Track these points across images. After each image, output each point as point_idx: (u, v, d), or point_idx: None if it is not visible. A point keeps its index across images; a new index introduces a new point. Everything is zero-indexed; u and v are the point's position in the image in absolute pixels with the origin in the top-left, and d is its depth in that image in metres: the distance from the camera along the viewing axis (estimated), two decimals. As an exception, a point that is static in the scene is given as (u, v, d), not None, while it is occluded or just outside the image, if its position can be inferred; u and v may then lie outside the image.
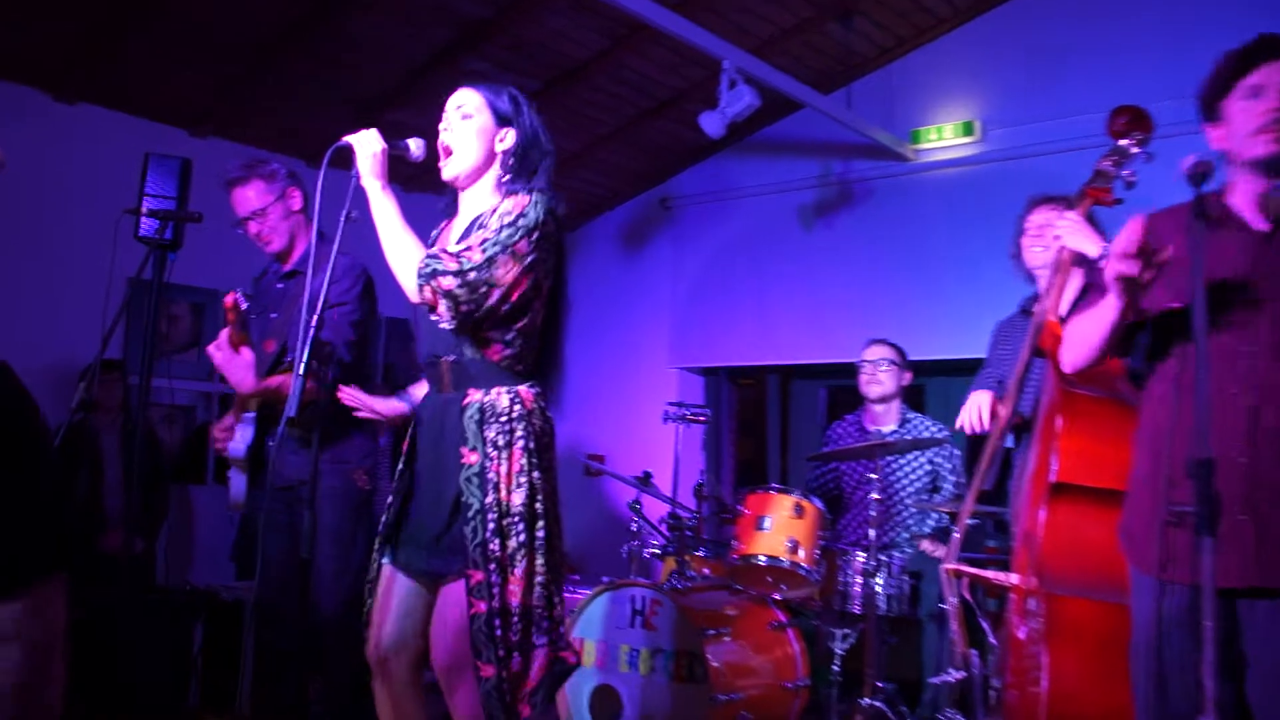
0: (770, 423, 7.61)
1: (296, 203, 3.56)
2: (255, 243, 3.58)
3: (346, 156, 2.61)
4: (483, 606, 2.45)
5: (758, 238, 6.99)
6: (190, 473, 6.03)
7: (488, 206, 2.61)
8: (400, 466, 2.72)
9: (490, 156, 2.67)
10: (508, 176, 2.66)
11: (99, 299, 3.41)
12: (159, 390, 3.74)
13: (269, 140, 6.05)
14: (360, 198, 2.62)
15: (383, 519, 2.73)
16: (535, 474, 2.54)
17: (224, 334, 3.27)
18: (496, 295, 2.50)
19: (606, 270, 7.66)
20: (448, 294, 2.46)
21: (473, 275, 2.46)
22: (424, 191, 2.85)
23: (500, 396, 2.55)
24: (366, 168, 2.60)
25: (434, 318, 2.53)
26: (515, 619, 2.47)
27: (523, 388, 2.59)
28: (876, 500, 4.19)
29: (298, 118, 5.95)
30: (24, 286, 5.28)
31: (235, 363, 3.26)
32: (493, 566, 2.46)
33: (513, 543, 2.49)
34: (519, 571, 2.48)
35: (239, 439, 3.48)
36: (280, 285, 3.58)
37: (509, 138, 2.66)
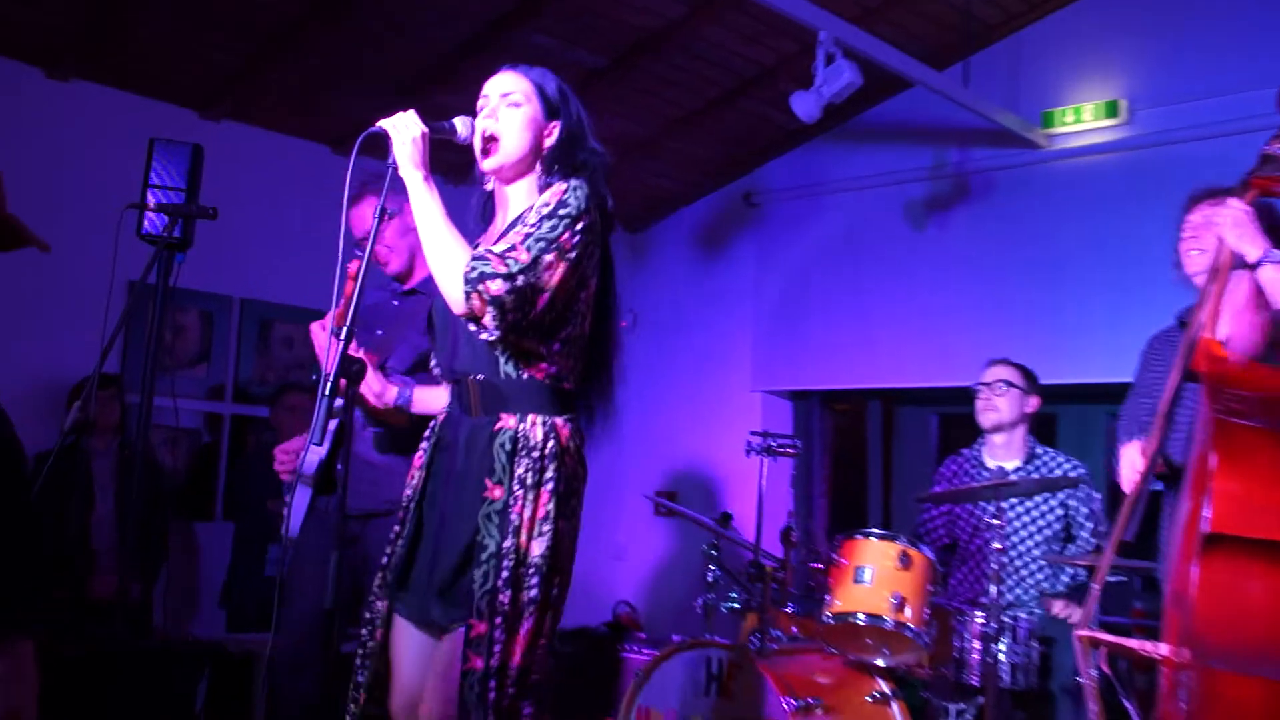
0: (871, 456, 7.58)
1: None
2: (374, 264, 3.66)
3: (381, 143, 2.65)
4: (479, 663, 2.50)
5: (858, 239, 6.98)
6: (195, 506, 6.12)
7: (527, 205, 2.67)
8: (409, 494, 2.77)
9: (537, 151, 2.73)
10: (548, 173, 2.72)
11: (97, 305, 3.49)
12: (161, 410, 3.81)
13: (291, 124, 6.11)
14: (397, 190, 2.66)
15: (386, 557, 2.77)
16: (561, 522, 2.59)
17: (334, 313, 3.30)
18: (544, 301, 2.55)
19: (680, 277, 7.69)
20: (495, 300, 2.49)
21: (521, 280, 2.50)
22: (471, 184, 2.89)
23: (536, 427, 2.60)
24: (405, 155, 2.63)
25: (474, 328, 2.56)
26: (510, 681, 2.52)
27: (559, 420, 2.64)
28: (998, 550, 4.15)
29: (325, 99, 6.01)
30: (11, 290, 5.33)
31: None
32: (499, 620, 2.51)
33: (524, 596, 2.54)
34: (524, 630, 2.54)
35: (313, 453, 3.50)
36: (396, 303, 3.67)
37: (556, 133, 2.73)
